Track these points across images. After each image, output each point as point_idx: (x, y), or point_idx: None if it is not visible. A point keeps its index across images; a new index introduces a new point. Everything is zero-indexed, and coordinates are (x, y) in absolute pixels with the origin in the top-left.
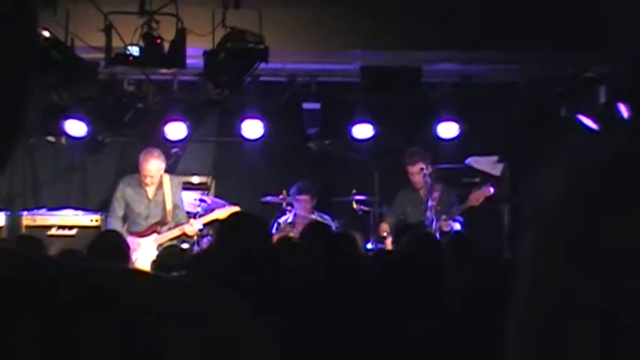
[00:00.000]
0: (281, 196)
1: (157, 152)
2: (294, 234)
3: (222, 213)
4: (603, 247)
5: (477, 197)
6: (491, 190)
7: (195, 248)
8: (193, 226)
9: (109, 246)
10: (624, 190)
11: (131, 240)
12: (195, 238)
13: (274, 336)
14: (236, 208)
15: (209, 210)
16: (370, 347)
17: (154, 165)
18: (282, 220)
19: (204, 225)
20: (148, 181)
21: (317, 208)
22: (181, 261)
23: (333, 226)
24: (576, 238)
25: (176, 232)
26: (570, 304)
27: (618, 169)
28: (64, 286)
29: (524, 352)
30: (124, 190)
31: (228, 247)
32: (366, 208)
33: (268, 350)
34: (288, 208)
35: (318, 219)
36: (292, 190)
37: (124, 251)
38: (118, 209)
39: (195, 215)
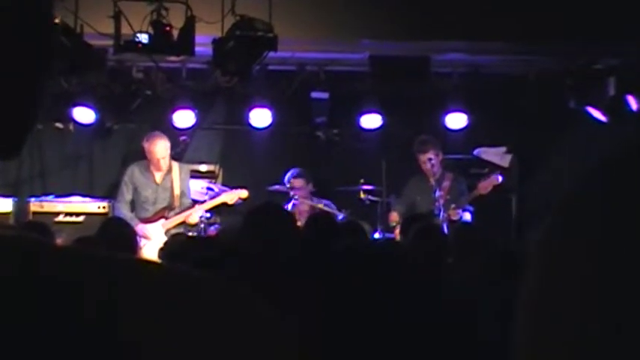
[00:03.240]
0: (288, 185)
1: (158, 133)
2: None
3: (229, 197)
4: (623, 242)
5: (486, 186)
6: (500, 178)
7: (203, 236)
8: (192, 216)
9: (115, 234)
10: None
11: (141, 227)
12: (202, 225)
13: (293, 329)
14: (244, 192)
15: (215, 198)
16: (372, 340)
17: (161, 146)
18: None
19: (212, 212)
20: (162, 163)
21: (324, 196)
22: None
23: (338, 213)
24: (594, 232)
25: (182, 217)
26: (583, 301)
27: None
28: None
29: (531, 347)
30: (133, 174)
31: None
32: (373, 198)
33: (286, 344)
34: (295, 196)
35: (319, 205)
36: (286, 178)
37: (131, 239)
38: (127, 193)
39: (202, 203)
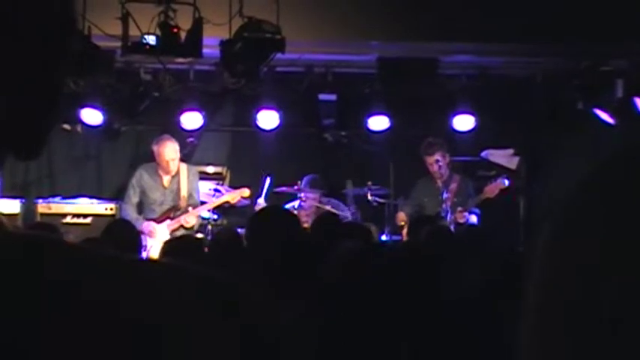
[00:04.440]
0: (296, 187)
1: (167, 136)
2: None
3: (232, 196)
4: (623, 242)
5: (492, 189)
6: (506, 182)
7: (209, 238)
8: (189, 218)
9: (120, 235)
10: None
11: (146, 225)
12: (210, 227)
13: (301, 325)
14: (246, 191)
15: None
16: (374, 341)
17: (171, 148)
18: (288, 206)
19: (219, 214)
20: (171, 166)
21: (330, 197)
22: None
23: (347, 211)
24: (594, 232)
25: (182, 220)
26: (585, 300)
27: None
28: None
29: (536, 347)
30: (141, 177)
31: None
32: (381, 200)
33: (295, 340)
34: (303, 197)
35: (326, 207)
36: (303, 183)
37: (136, 240)
38: (133, 196)
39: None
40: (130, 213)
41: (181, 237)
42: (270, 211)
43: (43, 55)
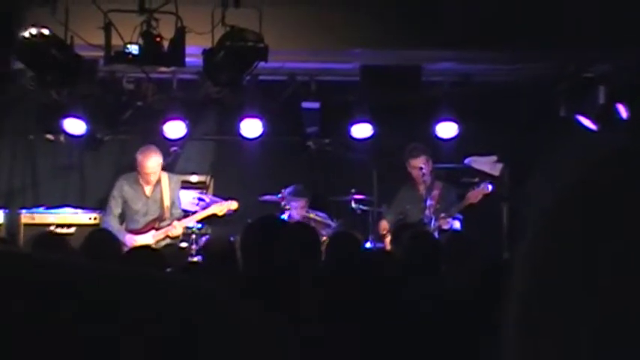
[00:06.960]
0: (280, 195)
1: (154, 148)
2: None
3: (219, 208)
4: (606, 247)
5: (475, 195)
6: (489, 187)
7: (194, 247)
8: (176, 228)
9: (100, 245)
10: (632, 188)
11: (129, 238)
12: (194, 237)
13: (285, 334)
14: (234, 203)
15: (206, 208)
16: (365, 348)
17: (154, 161)
18: None
19: (203, 223)
20: (151, 178)
21: (315, 207)
22: (180, 260)
23: (332, 224)
24: (584, 236)
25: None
26: (570, 307)
27: (625, 164)
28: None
29: (521, 352)
30: (122, 188)
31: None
32: (364, 208)
33: (279, 348)
34: (287, 207)
35: (317, 217)
36: (287, 192)
37: (117, 250)
38: (115, 208)
39: (193, 214)
40: (112, 224)
41: (167, 246)
42: (265, 223)
43: None
